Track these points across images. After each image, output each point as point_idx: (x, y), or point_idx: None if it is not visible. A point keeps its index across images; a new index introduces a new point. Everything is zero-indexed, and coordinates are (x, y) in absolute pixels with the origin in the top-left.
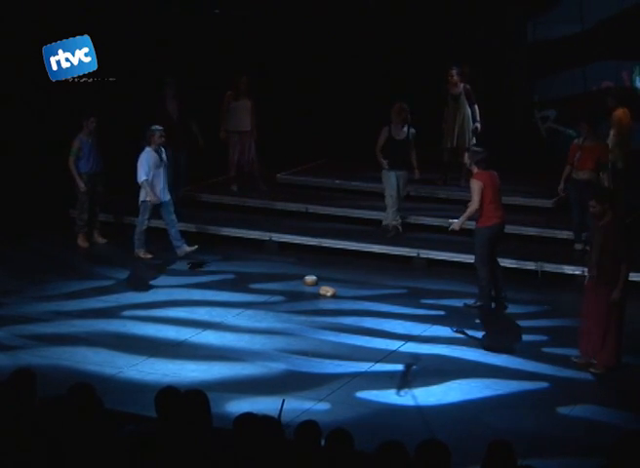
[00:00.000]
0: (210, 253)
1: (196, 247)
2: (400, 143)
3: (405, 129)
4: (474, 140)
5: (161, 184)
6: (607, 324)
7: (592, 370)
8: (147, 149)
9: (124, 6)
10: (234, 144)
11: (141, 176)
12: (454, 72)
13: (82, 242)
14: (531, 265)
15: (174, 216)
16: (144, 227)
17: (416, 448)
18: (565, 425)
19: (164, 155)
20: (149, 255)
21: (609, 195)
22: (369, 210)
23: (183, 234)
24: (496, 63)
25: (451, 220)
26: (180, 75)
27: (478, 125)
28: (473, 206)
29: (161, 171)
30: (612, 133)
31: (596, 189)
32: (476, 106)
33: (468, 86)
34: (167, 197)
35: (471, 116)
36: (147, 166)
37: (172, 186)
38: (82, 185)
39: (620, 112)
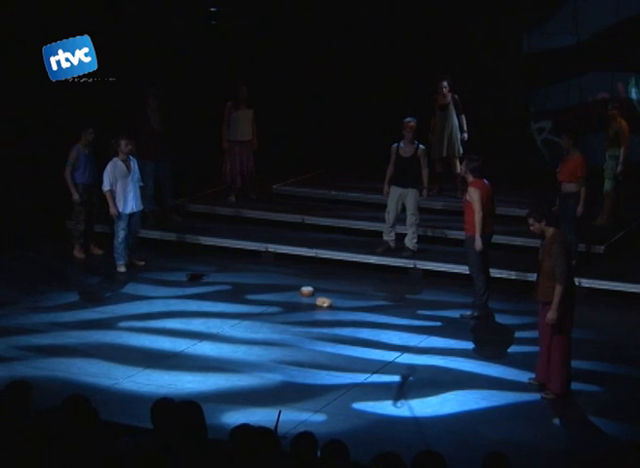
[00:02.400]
0: (206, 265)
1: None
2: (405, 161)
3: (413, 146)
4: (461, 150)
5: (128, 195)
6: (548, 345)
7: (544, 395)
8: (114, 159)
9: (124, 6)
10: (234, 154)
11: (105, 186)
12: (445, 84)
13: (78, 253)
14: (526, 276)
15: (137, 229)
16: (120, 239)
17: (412, 460)
18: (561, 437)
19: (133, 165)
20: (142, 262)
21: (546, 213)
22: (365, 221)
23: (181, 245)
24: (491, 75)
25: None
26: (172, 85)
27: (466, 135)
28: (479, 214)
29: (128, 181)
30: (622, 148)
31: (533, 208)
32: (463, 116)
33: (457, 96)
34: (137, 208)
35: (459, 126)
36: (112, 175)
37: (153, 197)
38: (76, 196)
39: (625, 124)
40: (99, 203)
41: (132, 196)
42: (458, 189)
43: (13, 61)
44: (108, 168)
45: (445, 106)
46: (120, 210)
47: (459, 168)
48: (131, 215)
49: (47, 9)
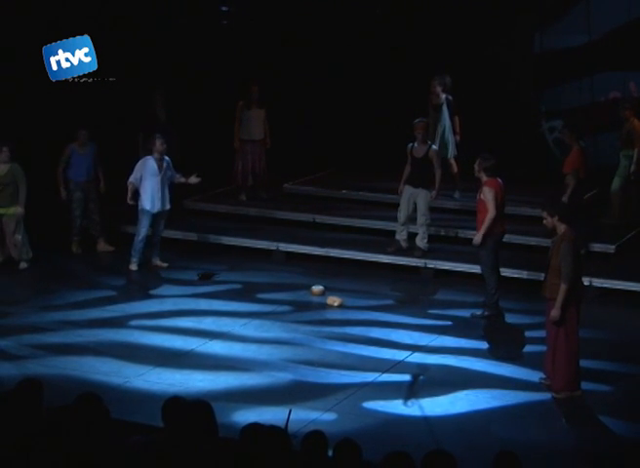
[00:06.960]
0: (217, 263)
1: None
2: (418, 161)
3: (426, 147)
4: (455, 152)
5: (156, 194)
6: (553, 343)
7: (554, 394)
8: (147, 157)
9: (124, 6)
10: (245, 153)
11: (130, 179)
12: (435, 82)
13: (75, 248)
14: (538, 276)
15: (161, 228)
16: (140, 236)
17: (422, 459)
18: (572, 436)
19: (165, 165)
20: (165, 264)
21: (560, 209)
22: (376, 220)
23: (192, 244)
24: (503, 74)
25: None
26: (183, 83)
27: (458, 137)
28: (491, 214)
29: (158, 180)
30: (636, 148)
31: (549, 202)
32: (457, 118)
33: (450, 97)
34: (163, 207)
35: (452, 128)
36: (138, 171)
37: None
38: (64, 193)
39: (638, 124)
40: (99, 200)
41: (159, 195)
42: (456, 190)
43: (13, 61)
44: (138, 163)
45: (438, 107)
46: (147, 208)
47: (455, 168)
48: (156, 215)
49: (47, 9)
